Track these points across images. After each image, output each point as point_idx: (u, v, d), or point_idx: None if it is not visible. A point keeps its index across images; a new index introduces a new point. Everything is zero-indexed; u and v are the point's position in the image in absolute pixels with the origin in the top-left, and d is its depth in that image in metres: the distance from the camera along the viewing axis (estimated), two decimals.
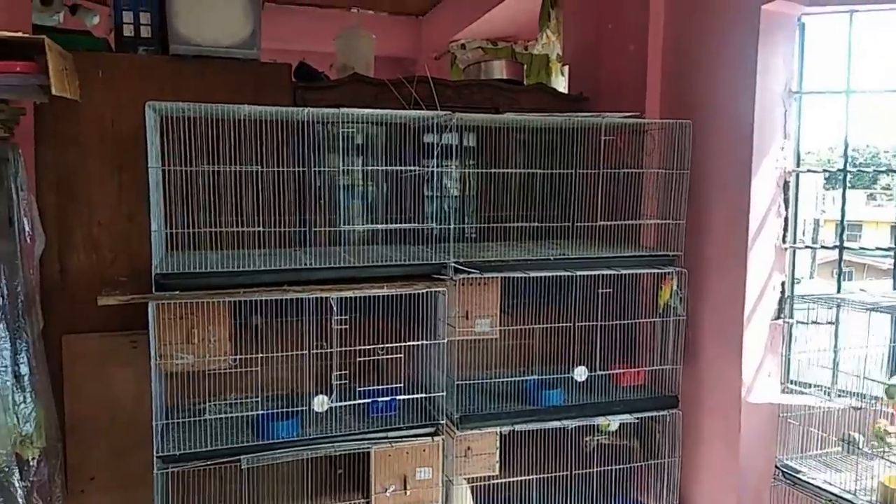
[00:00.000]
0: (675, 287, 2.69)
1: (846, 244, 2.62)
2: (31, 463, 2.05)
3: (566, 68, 4.01)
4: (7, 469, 1.92)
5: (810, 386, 2.55)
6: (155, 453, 2.12)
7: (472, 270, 2.40)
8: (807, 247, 2.78)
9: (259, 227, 2.45)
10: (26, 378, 2.10)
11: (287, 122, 2.57)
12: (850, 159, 2.62)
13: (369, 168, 2.71)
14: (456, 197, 3.08)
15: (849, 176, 2.67)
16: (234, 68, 2.75)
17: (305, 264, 2.32)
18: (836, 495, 1.96)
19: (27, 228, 2.33)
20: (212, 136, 2.46)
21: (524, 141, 3.05)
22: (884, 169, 2.93)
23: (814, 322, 2.57)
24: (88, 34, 2.83)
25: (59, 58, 2.11)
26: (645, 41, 3.03)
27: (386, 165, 2.76)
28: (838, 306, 2.42)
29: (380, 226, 2.69)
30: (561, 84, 4.18)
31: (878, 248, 2.67)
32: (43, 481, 2.12)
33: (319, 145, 2.68)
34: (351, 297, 2.30)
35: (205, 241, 2.48)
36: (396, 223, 2.78)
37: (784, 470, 2.14)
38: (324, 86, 3.03)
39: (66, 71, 2.21)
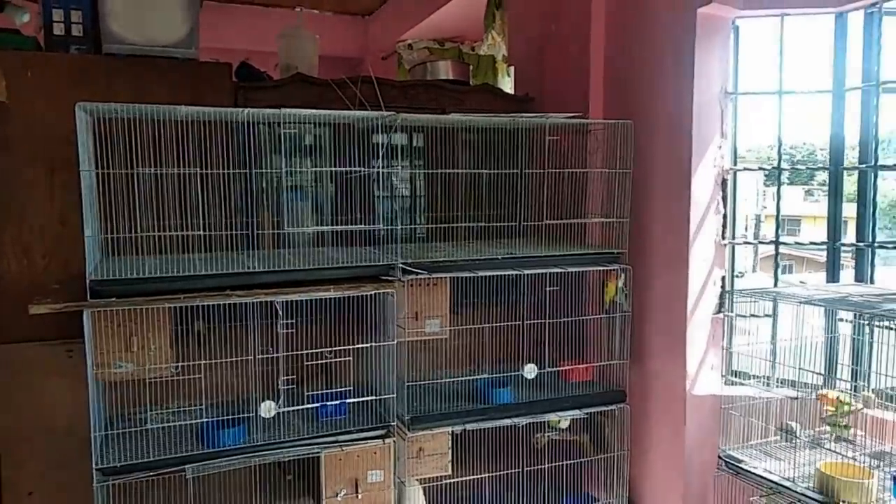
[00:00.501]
0: (620, 284, 2.74)
1: (783, 239, 2.71)
2: None
3: (512, 69, 4.05)
4: None
5: (751, 378, 2.64)
6: (94, 465, 2.05)
7: (420, 271, 2.39)
8: (745, 242, 2.87)
9: (201, 230, 2.39)
10: None
11: (229, 123, 2.51)
12: (787, 157, 2.72)
13: (315, 169, 2.67)
14: (405, 197, 3.07)
15: (787, 173, 2.77)
16: (171, 68, 2.68)
17: (250, 268, 2.27)
18: (776, 483, 2.03)
19: None
20: (150, 137, 2.39)
21: (471, 141, 3.07)
22: (816, 167, 3.05)
23: (752, 315, 2.66)
24: (16, 32, 2.71)
25: None
26: (587, 43, 3.08)
27: (332, 166, 2.73)
28: (775, 300, 2.51)
29: (326, 227, 2.66)
30: (507, 85, 4.21)
31: (812, 243, 2.78)
32: None
33: (263, 146, 2.63)
34: (297, 301, 2.27)
35: (145, 246, 2.41)
36: (344, 225, 2.75)
37: (726, 460, 2.20)
38: (266, 86, 2.98)
39: None
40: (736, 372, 2.77)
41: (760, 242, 2.83)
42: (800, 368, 2.09)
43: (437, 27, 5.40)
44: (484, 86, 3.51)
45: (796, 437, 2.17)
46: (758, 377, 2.60)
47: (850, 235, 2.63)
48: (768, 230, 3.97)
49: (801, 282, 3.01)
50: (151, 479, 2.15)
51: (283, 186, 2.74)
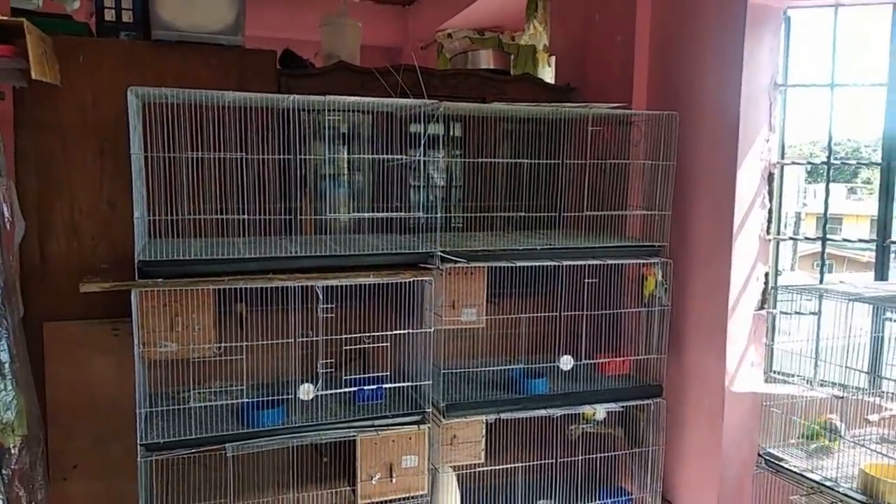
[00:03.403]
0: (659, 277, 2.71)
1: (828, 237, 2.65)
2: (12, 451, 2.03)
3: (553, 59, 4.01)
4: None
5: (793, 376, 2.58)
6: (138, 441, 2.10)
7: (459, 259, 2.40)
8: (790, 238, 2.81)
9: (243, 214, 2.43)
10: (7, 366, 2.07)
11: (272, 110, 2.54)
12: (831, 153, 2.65)
13: (355, 157, 2.69)
14: (442, 187, 3.07)
15: (831, 170, 2.70)
16: (217, 54, 2.71)
17: (291, 252, 2.30)
18: (817, 482, 1.99)
19: (6, 214, 2.29)
20: (195, 122, 2.44)
21: (510, 131, 3.05)
22: (866, 162, 2.96)
23: (797, 312, 2.60)
24: (69, 18, 2.78)
25: (39, 41, 2.08)
26: (632, 33, 3.03)
27: (372, 155, 2.74)
28: (821, 296, 2.45)
29: (366, 214, 2.67)
30: (548, 75, 4.18)
31: (860, 241, 2.70)
32: (24, 469, 2.09)
33: (304, 133, 2.66)
34: (337, 286, 2.29)
35: (188, 229, 2.46)
36: (376, 212, 2.76)
37: (766, 458, 2.16)
38: (309, 73, 3.01)
39: (45, 55, 2.17)
40: (776, 371, 2.72)
41: (806, 238, 2.76)
42: (846, 367, 2.04)
43: (477, 17, 5.37)
44: (525, 75, 3.48)
45: (840, 436, 2.12)
46: (799, 376, 2.55)
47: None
48: (808, 228, 3.87)
49: (841, 281, 2.93)
50: (192, 455, 2.20)
51: (324, 173, 2.77)
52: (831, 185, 2.69)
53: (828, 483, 1.97)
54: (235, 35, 2.75)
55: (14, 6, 2.87)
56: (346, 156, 2.77)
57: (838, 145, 3.25)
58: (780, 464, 2.12)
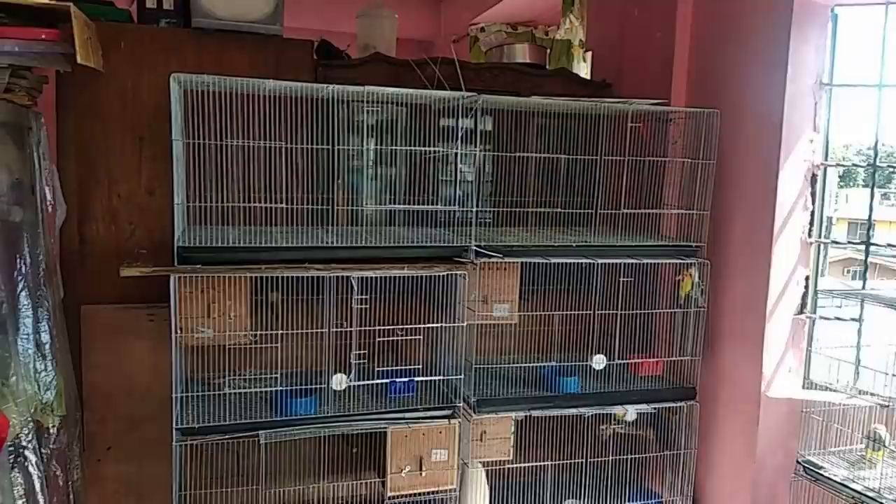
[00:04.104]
0: (696, 278, 2.67)
1: (872, 242, 2.58)
2: (50, 431, 2.06)
3: (588, 54, 3.97)
4: (27, 436, 1.92)
5: (832, 383, 2.53)
6: (174, 425, 2.12)
7: (495, 254, 2.38)
8: (833, 242, 2.74)
9: (280, 203, 2.44)
10: (47, 346, 2.10)
11: (309, 99, 2.54)
12: (863, 157, 2.59)
13: (394, 148, 2.67)
14: (471, 182, 3.05)
15: (861, 175, 2.64)
16: (256, 44, 2.72)
17: (327, 243, 2.31)
18: (859, 493, 1.94)
19: (49, 197, 2.33)
20: (234, 110, 2.44)
21: (543, 126, 3.01)
22: None
23: (837, 318, 2.55)
24: (111, 4, 2.80)
25: (84, 26, 2.10)
26: (672, 28, 2.98)
27: (408, 146, 2.73)
28: (863, 302, 2.39)
29: (402, 206, 2.66)
30: (583, 70, 4.13)
31: None
32: (62, 449, 2.12)
33: (341, 124, 2.65)
34: (371, 278, 2.29)
35: (224, 216, 2.46)
36: (411, 204, 2.75)
37: (806, 466, 2.12)
38: (345, 64, 3.00)
39: (90, 40, 2.19)
40: (812, 381, 2.66)
41: (850, 243, 2.70)
42: (892, 375, 1.99)
43: (511, 11, 5.33)
44: (561, 70, 3.45)
45: (885, 446, 2.07)
46: (838, 383, 2.49)
47: None
48: (838, 233, 3.79)
49: (873, 288, 2.86)
50: (225, 441, 2.22)
51: (359, 164, 2.77)
52: (865, 190, 2.63)
53: (870, 494, 1.92)
54: (274, 24, 2.75)
55: None
56: (383, 147, 2.75)
57: (870, 150, 3.17)
58: (820, 472, 2.08)
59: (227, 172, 2.49)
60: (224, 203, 2.38)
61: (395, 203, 2.86)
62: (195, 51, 2.69)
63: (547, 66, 3.56)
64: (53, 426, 2.07)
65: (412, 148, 2.63)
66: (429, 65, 2.92)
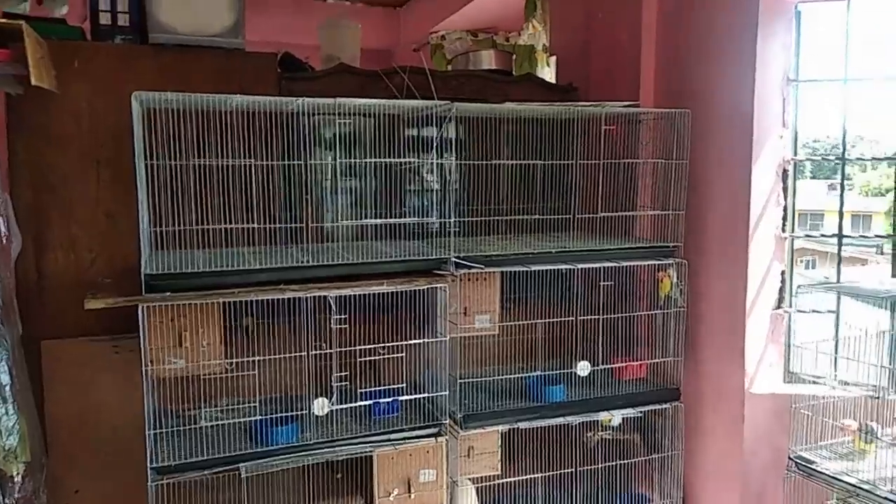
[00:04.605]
0: (675, 279, 2.66)
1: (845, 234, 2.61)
2: (15, 479, 1.93)
3: (552, 59, 3.96)
4: None
5: (811, 376, 2.54)
6: (148, 464, 2.01)
7: (475, 265, 2.33)
8: (807, 236, 2.77)
9: (250, 223, 2.34)
10: (7, 388, 1.97)
11: (274, 114, 2.46)
12: (809, 150, 2.64)
13: (365, 161, 2.60)
14: (455, 190, 3.01)
15: (808, 167, 2.68)
16: (217, 58, 2.63)
17: (301, 262, 2.22)
18: (853, 486, 1.94)
19: (2, 229, 2.19)
20: (197, 128, 2.35)
21: (513, 132, 2.98)
22: (883, 158, 2.91)
23: (814, 311, 2.56)
24: (62, 22, 2.68)
25: (37, 46, 1.99)
26: (638, 31, 2.99)
27: (375, 158, 2.66)
28: (839, 294, 2.41)
29: (377, 221, 2.59)
30: (547, 75, 4.13)
31: (877, 236, 2.67)
32: (27, 497, 1.99)
33: (308, 138, 2.57)
34: (349, 296, 2.21)
35: (191, 239, 2.36)
36: (386, 218, 2.69)
37: (798, 461, 2.11)
38: (310, 76, 2.93)
39: (42, 60, 2.08)
40: (791, 372, 2.68)
41: (823, 235, 2.72)
42: (880, 366, 1.99)
43: (471, 18, 5.31)
44: (527, 76, 3.43)
45: (877, 437, 2.08)
46: (819, 376, 2.51)
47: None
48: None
49: (826, 277, 2.90)
50: (205, 477, 2.11)
51: (331, 178, 2.69)
52: (812, 182, 2.67)
53: (865, 486, 1.92)
54: (236, 38, 2.67)
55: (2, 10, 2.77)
56: (352, 160, 2.68)
57: (817, 142, 3.22)
58: (813, 467, 2.08)
59: (193, 193, 2.39)
60: (191, 226, 2.28)
61: (367, 217, 2.79)
62: (154, 68, 2.58)
63: (513, 72, 3.54)
64: (18, 474, 1.94)
65: (383, 160, 2.56)
66: (396, 74, 2.86)
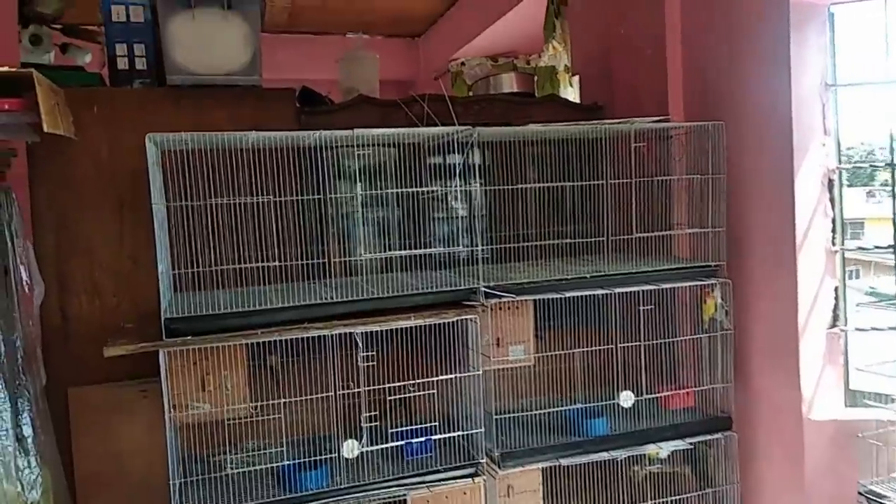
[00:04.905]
0: (719, 300, 2.52)
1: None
2: None
3: (575, 79, 3.88)
4: None
5: (874, 398, 2.36)
6: None
7: (506, 294, 2.23)
8: (860, 248, 2.60)
9: (271, 261, 2.28)
10: (30, 440, 1.91)
11: (295, 150, 2.41)
12: (845, 157, 2.49)
13: (388, 191, 2.53)
14: (482, 216, 2.93)
15: (845, 175, 2.54)
16: (235, 96, 2.61)
17: (325, 298, 2.15)
18: None
19: (24, 277, 2.17)
20: (217, 167, 2.31)
21: (538, 154, 2.90)
22: None
23: (874, 328, 2.39)
24: (81, 69, 2.70)
25: (50, 93, 1.97)
26: (662, 44, 2.89)
27: (399, 188, 2.60)
28: None
29: (402, 252, 2.51)
30: (571, 95, 4.04)
31: None
32: None
33: (329, 172, 2.52)
34: (376, 332, 2.13)
35: (213, 280, 2.31)
36: (412, 249, 2.61)
37: (868, 496, 1.94)
38: (330, 109, 2.90)
39: (58, 107, 2.06)
40: (853, 393, 2.49)
41: (877, 248, 2.55)
42: None
43: (490, 44, 5.29)
44: (551, 97, 3.34)
45: None
46: (883, 397, 2.33)
47: None
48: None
49: (871, 287, 2.73)
50: None
51: (348, 212, 2.63)
52: (850, 190, 2.52)
53: None
54: (252, 75, 2.65)
55: (25, 61, 2.80)
56: (375, 191, 2.62)
57: (851, 149, 3.06)
58: (885, 503, 1.90)
59: (214, 233, 2.34)
60: (211, 267, 2.23)
61: (392, 249, 2.71)
62: (172, 109, 2.57)
63: (535, 94, 3.46)
64: None
65: (406, 189, 2.49)
66: (416, 102, 2.81)
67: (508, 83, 3.38)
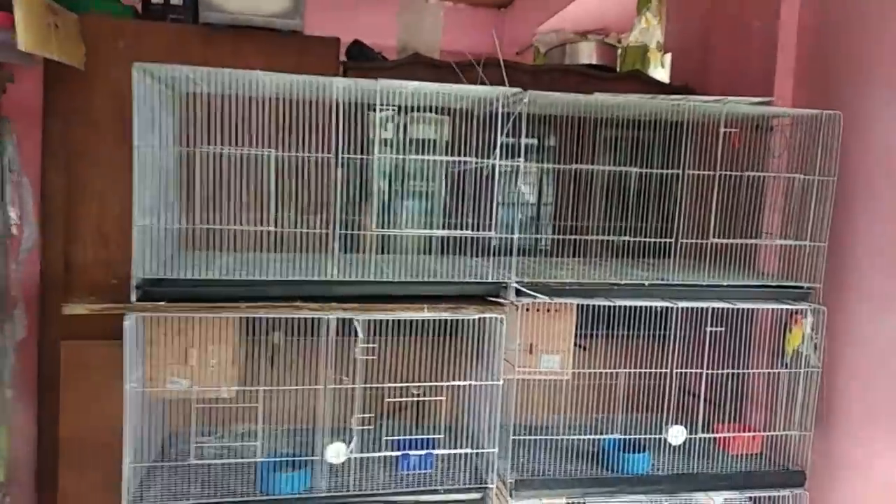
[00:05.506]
0: (808, 329, 2.05)
1: None
2: None
3: (667, 57, 3.41)
4: None
5: None
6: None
7: (538, 295, 1.86)
8: None
9: (278, 226, 2.00)
10: None
11: (327, 103, 2.11)
12: None
13: (428, 158, 2.21)
14: (531, 204, 2.58)
15: None
16: (273, 41, 2.39)
17: (328, 276, 1.85)
18: None
19: (13, 216, 1.99)
20: (237, 115, 2.04)
21: (612, 138, 2.51)
22: None
23: None
24: (116, 1, 2.51)
25: (43, 10, 1.74)
26: (776, 14, 2.40)
27: (440, 157, 2.27)
28: None
29: (417, 231, 2.19)
30: (660, 76, 3.57)
31: None
32: None
33: (364, 134, 2.22)
34: (382, 321, 1.82)
35: (216, 240, 2.05)
36: (438, 229, 2.28)
37: None
38: (377, 66, 2.62)
39: (55, 29, 1.84)
40: None
41: None
42: None
43: (579, 17, 4.85)
44: (634, 72, 2.91)
45: None
46: None
47: None
48: None
49: None
50: None
51: (387, 181, 2.33)
52: None
53: None
54: (294, 19, 2.43)
55: None
56: (411, 157, 2.30)
57: None
58: None
59: (229, 189, 2.08)
60: (211, 225, 1.96)
61: (433, 228, 2.40)
62: (204, 50, 2.37)
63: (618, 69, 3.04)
64: None
65: (447, 158, 2.15)
66: (475, 65, 2.46)
67: (587, 53, 2.96)
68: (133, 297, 1.69)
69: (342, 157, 1.90)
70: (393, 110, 2.02)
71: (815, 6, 2.34)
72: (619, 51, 3.99)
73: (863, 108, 2.10)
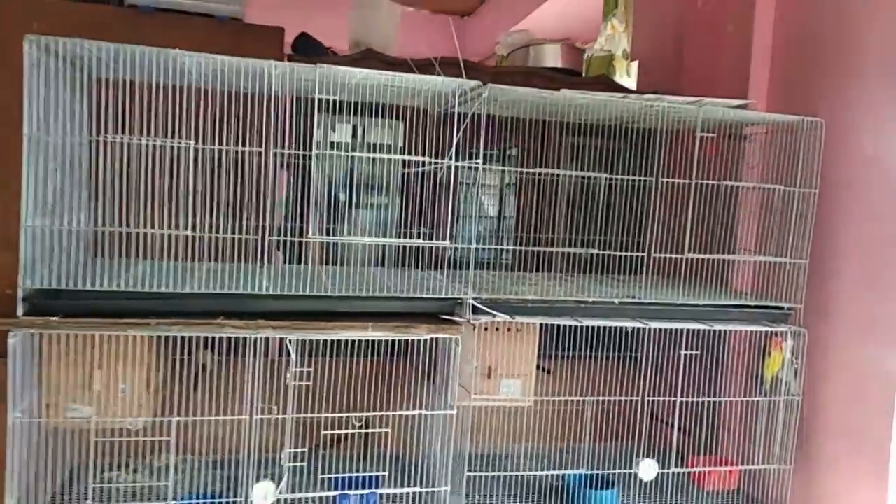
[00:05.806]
0: (788, 354, 1.90)
1: None
2: None
3: (634, 66, 3.28)
4: None
5: None
6: None
7: (496, 313, 1.66)
8: None
9: (206, 232, 1.75)
10: None
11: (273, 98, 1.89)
12: None
13: (377, 156, 2.01)
14: (491, 217, 2.41)
15: None
16: (208, 28, 2.19)
17: (263, 289, 1.61)
18: None
19: None
20: (155, 103, 1.80)
21: (578, 146, 2.36)
22: None
23: None
24: None
25: None
26: (750, 18, 2.28)
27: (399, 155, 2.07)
28: None
29: (366, 239, 1.97)
30: (627, 84, 3.43)
31: None
32: None
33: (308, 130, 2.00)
34: (318, 341, 1.59)
35: (131, 247, 1.79)
36: (382, 237, 2.08)
37: None
38: (326, 61, 2.38)
39: None
40: None
41: None
42: None
43: (541, 25, 4.74)
44: (601, 78, 2.77)
45: None
46: None
47: None
48: None
49: None
50: None
51: (338, 185, 2.12)
52: None
53: None
54: (231, 4, 2.20)
55: None
56: (359, 154, 2.10)
57: None
58: None
59: (146, 186, 1.83)
60: (133, 228, 1.71)
61: (383, 235, 2.19)
62: (128, 34, 2.08)
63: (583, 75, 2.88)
64: None
65: (395, 157, 1.95)
66: (433, 63, 2.27)
67: (553, 56, 2.80)
68: (20, 311, 1.43)
69: (279, 154, 1.67)
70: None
71: (790, 10, 2.21)
72: (584, 61, 3.86)
73: (842, 116, 1.98)
